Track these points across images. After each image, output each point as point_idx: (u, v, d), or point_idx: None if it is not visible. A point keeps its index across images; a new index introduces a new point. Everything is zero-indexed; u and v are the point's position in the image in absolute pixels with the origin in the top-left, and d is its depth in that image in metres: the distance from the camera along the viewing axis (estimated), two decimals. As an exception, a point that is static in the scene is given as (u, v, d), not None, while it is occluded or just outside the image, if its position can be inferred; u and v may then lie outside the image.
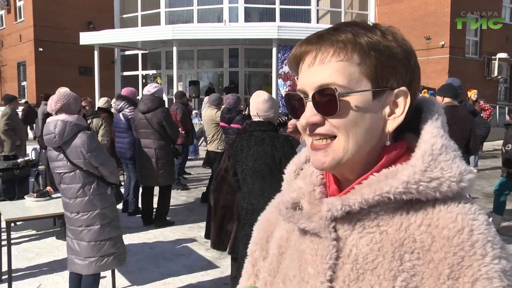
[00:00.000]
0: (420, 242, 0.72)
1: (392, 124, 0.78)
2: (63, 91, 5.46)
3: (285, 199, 0.85)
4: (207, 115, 7.40)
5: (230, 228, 3.72)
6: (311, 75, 0.77)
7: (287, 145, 3.08)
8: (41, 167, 6.46)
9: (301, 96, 0.79)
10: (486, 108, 11.21)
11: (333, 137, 0.77)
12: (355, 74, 0.75)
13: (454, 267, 0.69)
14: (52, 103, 3.29)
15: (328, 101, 0.75)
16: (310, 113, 0.77)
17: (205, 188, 7.61)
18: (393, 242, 0.74)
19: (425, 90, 13.64)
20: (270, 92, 12.62)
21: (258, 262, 0.98)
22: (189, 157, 10.52)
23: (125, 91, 6.82)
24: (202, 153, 10.49)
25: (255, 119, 3.24)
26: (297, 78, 0.85)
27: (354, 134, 0.75)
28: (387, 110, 0.78)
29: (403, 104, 0.78)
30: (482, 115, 9.63)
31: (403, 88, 0.77)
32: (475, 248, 0.69)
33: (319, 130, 0.77)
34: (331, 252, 0.77)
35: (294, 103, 0.82)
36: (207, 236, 4.32)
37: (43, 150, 6.03)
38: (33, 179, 6.13)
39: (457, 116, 4.56)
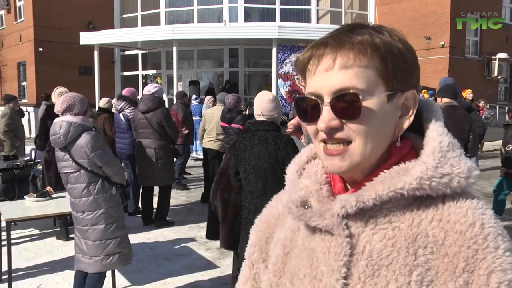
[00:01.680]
0: (433, 236, 0.74)
1: (403, 125, 0.80)
2: (62, 90, 5.48)
3: (294, 198, 0.84)
4: (219, 114, 7.26)
5: None
6: (328, 78, 0.76)
7: (290, 145, 3.10)
8: (39, 167, 6.46)
9: (316, 99, 0.77)
10: (480, 108, 11.21)
11: (349, 142, 0.76)
12: (373, 77, 0.76)
13: (469, 260, 0.71)
14: (59, 104, 3.36)
15: (349, 105, 0.74)
16: (328, 117, 0.76)
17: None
18: (406, 238, 0.75)
19: (425, 90, 13.65)
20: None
21: (256, 264, 0.97)
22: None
23: (126, 91, 6.83)
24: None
25: (259, 118, 3.26)
26: (299, 79, 0.84)
27: (373, 138, 0.76)
28: (398, 112, 0.79)
29: (412, 106, 0.80)
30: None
31: (412, 90, 0.80)
32: (488, 241, 0.71)
33: (338, 135, 0.76)
34: (345, 249, 0.77)
35: (306, 107, 0.80)
36: (208, 236, 4.30)
37: (40, 151, 6.00)
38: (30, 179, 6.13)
39: (456, 116, 4.58)
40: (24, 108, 15.08)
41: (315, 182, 0.86)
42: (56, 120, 3.39)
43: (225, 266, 4.66)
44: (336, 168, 0.78)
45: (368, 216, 0.78)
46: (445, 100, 4.91)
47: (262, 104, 3.24)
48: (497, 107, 16.41)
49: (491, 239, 0.71)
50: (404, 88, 0.79)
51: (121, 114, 6.50)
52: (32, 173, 6.01)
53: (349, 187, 0.84)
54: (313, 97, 0.78)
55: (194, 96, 11.40)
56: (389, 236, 0.76)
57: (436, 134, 0.78)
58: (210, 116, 7.45)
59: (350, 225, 0.79)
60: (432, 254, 0.73)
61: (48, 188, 4.74)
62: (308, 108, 0.80)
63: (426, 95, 12.44)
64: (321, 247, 0.80)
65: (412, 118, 0.80)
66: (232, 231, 3.83)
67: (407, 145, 0.82)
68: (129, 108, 6.42)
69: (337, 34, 0.78)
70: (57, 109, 3.38)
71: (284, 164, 3.00)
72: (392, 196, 0.75)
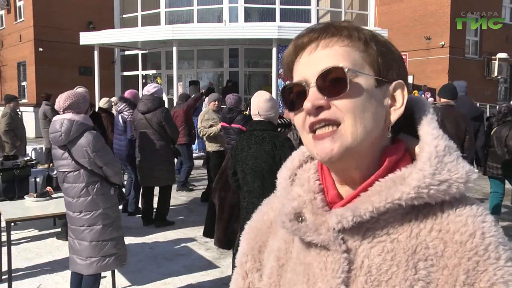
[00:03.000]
0: (433, 248, 0.71)
1: (393, 115, 0.78)
2: (82, 90, 5.52)
3: (287, 210, 0.80)
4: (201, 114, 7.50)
5: (237, 227, 3.74)
6: (313, 62, 0.76)
7: (287, 144, 3.10)
8: (39, 167, 6.45)
9: (302, 85, 0.76)
10: None
11: (338, 124, 0.74)
12: (359, 60, 0.75)
13: (469, 273, 0.68)
14: (61, 101, 3.30)
15: (335, 81, 0.73)
16: (314, 96, 0.73)
17: (205, 188, 7.62)
18: (405, 250, 0.72)
19: (415, 91, 13.65)
20: (270, 92, 12.58)
21: (250, 273, 0.93)
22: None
23: (128, 93, 6.87)
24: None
25: (256, 118, 3.27)
26: (287, 76, 0.84)
27: (362, 118, 0.73)
28: (388, 101, 0.78)
29: (401, 97, 0.78)
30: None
31: (400, 80, 0.79)
32: (489, 252, 0.69)
33: (325, 114, 0.73)
34: (342, 265, 0.74)
35: (292, 95, 0.78)
36: (205, 234, 4.31)
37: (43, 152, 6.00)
38: (33, 179, 6.11)
39: (452, 116, 4.62)
40: (24, 108, 15.10)
41: (308, 190, 0.82)
42: (57, 117, 3.33)
43: (225, 266, 4.66)
44: (327, 152, 0.73)
45: (365, 228, 0.74)
46: (443, 100, 4.97)
47: (258, 104, 3.25)
48: (497, 107, 16.40)
49: (492, 249, 0.69)
50: (392, 79, 0.78)
51: (119, 116, 6.53)
52: (47, 172, 5.98)
53: (342, 195, 0.80)
54: (300, 83, 0.76)
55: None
56: (388, 249, 0.73)
57: (431, 138, 0.75)
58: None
59: (347, 239, 0.75)
60: (433, 266, 0.70)
61: (48, 188, 4.74)
62: (295, 97, 0.77)
63: (417, 94, 12.42)
64: (317, 262, 0.77)
65: (402, 109, 0.78)
66: (226, 231, 3.85)
67: (400, 148, 0.79)
68: (128, 111, 6.45)
69: (324, 23, 0.79)
70: (58, 105, 3.31)
71: (281, 163, 2.99)
72: (390, 207, 0.72)
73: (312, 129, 0.76)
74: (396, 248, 0.73)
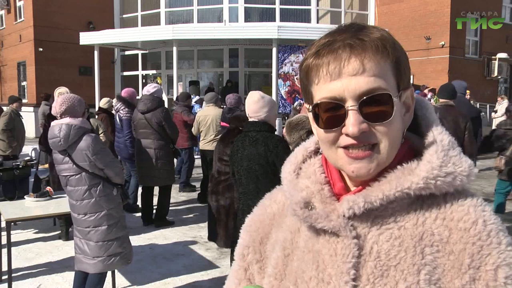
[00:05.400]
0: (438, 235, 0.75)
1: (406, 122, 0.81)
2: (62, 90, 5.48)
3: (297, 200, 0.83)
4: (214, 114, 7.18)
5: (238, 224, 3.77)
6: (352, 81, 0.73)
7: (281, 146, 3.05)
8: (40, 167, 6.46)
9: (339, 103, 0.74)
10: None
11: (374, 144, 0.75)
12: (390, 77, 0.76)
13: (474, 256, 0.72)
14: (57, 105, 3.30)
15: (381, 107, 0.74)
16: (358, 121, 0.73)
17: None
18: (412, 237, 0.75)
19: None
20: (270, 92, 12.59)
21: (251, 266, 0.94)
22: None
23: (125, 92, 6.87)
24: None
25: (250, 119, 3.25)
26: (298, 81, 0.84)
27: (395, 137, 0.77)
28: (403, 109, 0.80)
29: (411, 102, 0.82)
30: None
31: (411, 87, 0.82)
32: (491, 237, 0.73)
33: (366, 138, 0.74)
34: (353, 250, 0.76)
35: (325, 113, 0.77)
36: (210, 238, 4.33)
37: (42, 152, 6.00)
38: (33, 179, 6.11)
39: (452, 115, 4.63)
40: (24, 108, 15.08)
41: (315, 182, 0.84)
42: (55, 122, 3.33)
43: (225, 266, 4.66)
44: (365, 172, 0.76)
45: (374, 216, 0.78)
46: (442, 100, 4.98)
47: (248, 106, 3.22)
48: (506, 106, 16.40)
49: (493, 235, 0.73)
50: (407, 86, 0.80)
51: (117, 114, 6.61)
52: (35, 175, 5.99)
53: (350, 187, 0.83)
54: (334, 101, 0.75)
55: (197, 98, 11.39)
56: (396, 235, 0.76)
57: (436, 133, 0.79)
58: (204, 117, 7.27)
59: (356, 226, 0.78)
60: (438, 252, 0.74)
61: (48, 188, 4.74)
62: (327, 114, 0.76)
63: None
64: (327, 249, 0.79)
65: (412, 114, 0.82)
66: (228, 231, 3.87)
67: (405, 144, 0.82)
68: (124, 110, 6.49)
69: (353, 34, 0.75)
70: (55, 111, 3.31)
71: (274, 165, 2.98)
72: (398, 196, 0.76)
73: (345, 146, 0.76)
74: (404, 235, 0.76)
